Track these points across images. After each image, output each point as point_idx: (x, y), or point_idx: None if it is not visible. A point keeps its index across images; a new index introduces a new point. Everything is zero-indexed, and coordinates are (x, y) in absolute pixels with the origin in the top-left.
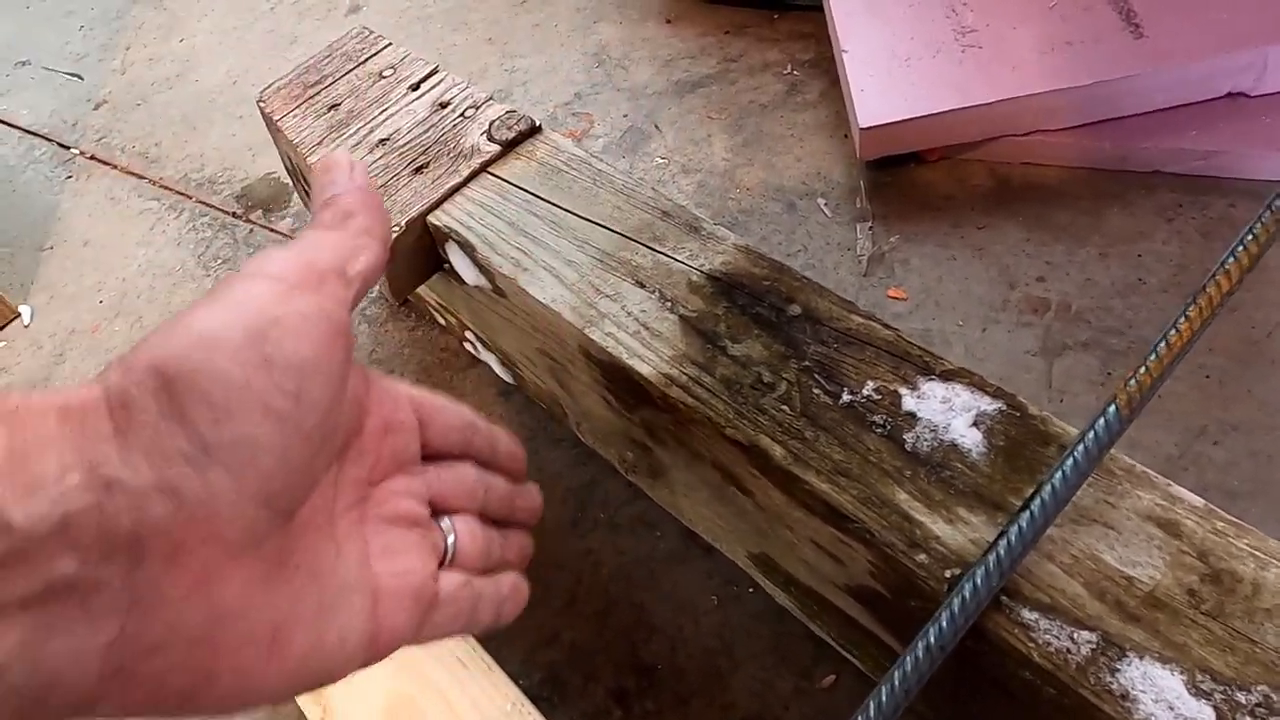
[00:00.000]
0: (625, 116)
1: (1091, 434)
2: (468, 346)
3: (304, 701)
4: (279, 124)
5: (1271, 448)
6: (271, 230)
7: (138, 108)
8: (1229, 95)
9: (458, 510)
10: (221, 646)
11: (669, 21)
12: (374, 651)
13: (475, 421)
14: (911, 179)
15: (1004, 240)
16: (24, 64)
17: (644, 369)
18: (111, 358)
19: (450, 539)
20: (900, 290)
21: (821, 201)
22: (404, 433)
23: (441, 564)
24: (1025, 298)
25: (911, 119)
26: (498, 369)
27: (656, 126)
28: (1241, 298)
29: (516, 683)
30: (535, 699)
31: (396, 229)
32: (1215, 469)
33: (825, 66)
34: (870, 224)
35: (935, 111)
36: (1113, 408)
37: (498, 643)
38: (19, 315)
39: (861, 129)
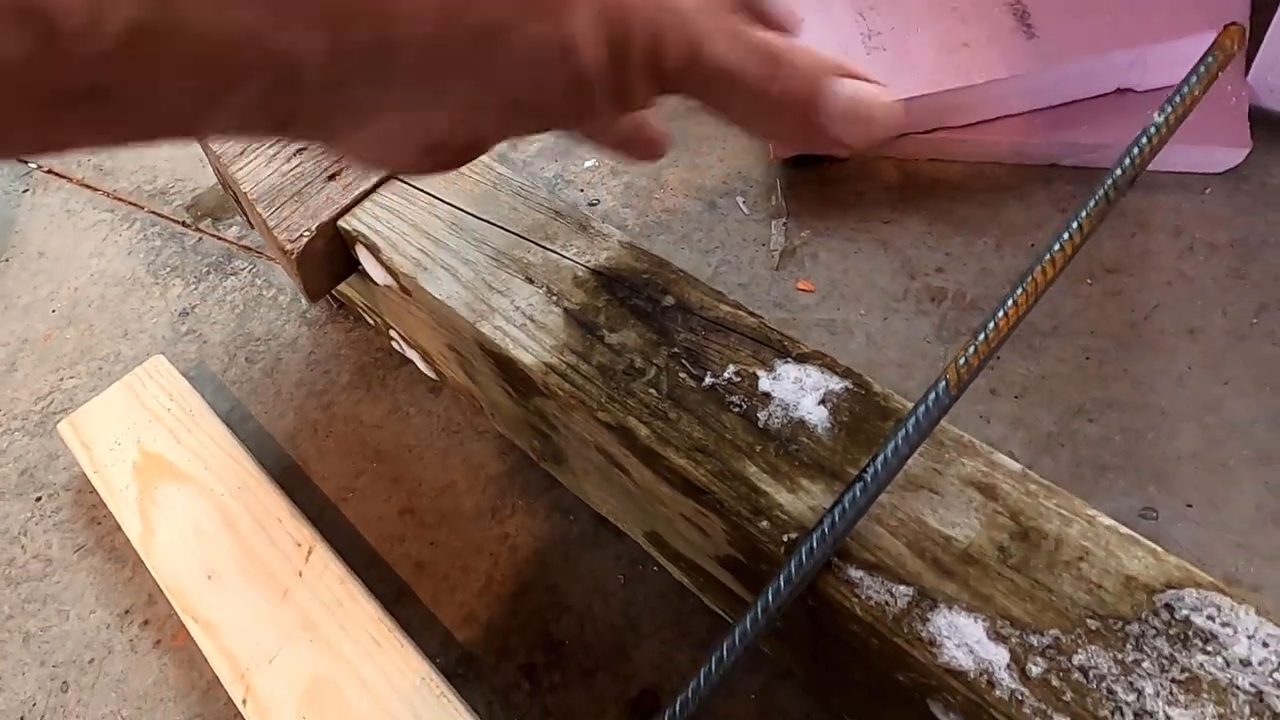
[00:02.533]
0: None
1: (922, 408)
2: (394, 345)
3: (229, 683)
4: None
5: (1141, 424)
6: (219, 238)
7: None
8: (1118, 91)
9: None
10: None
11: None
12: None
13: None
14: (824, 177)
15: (907, 234)
16: None
17: (527, 359)
18: (62, 365)
19: None
20: (809, 283)
21: (740, 200)
22: None
23: None
24: (924, 287)
25: None
26: (422, 366)
27: None
28: (1125, 282)
29: (434, 661)
30: (451, 675)
31: (308, 234)
32: (1089, 444)
33: None
34: (784, 220)
35: None
36: (943, 384)
37: (418, 623)
38: None
39: None
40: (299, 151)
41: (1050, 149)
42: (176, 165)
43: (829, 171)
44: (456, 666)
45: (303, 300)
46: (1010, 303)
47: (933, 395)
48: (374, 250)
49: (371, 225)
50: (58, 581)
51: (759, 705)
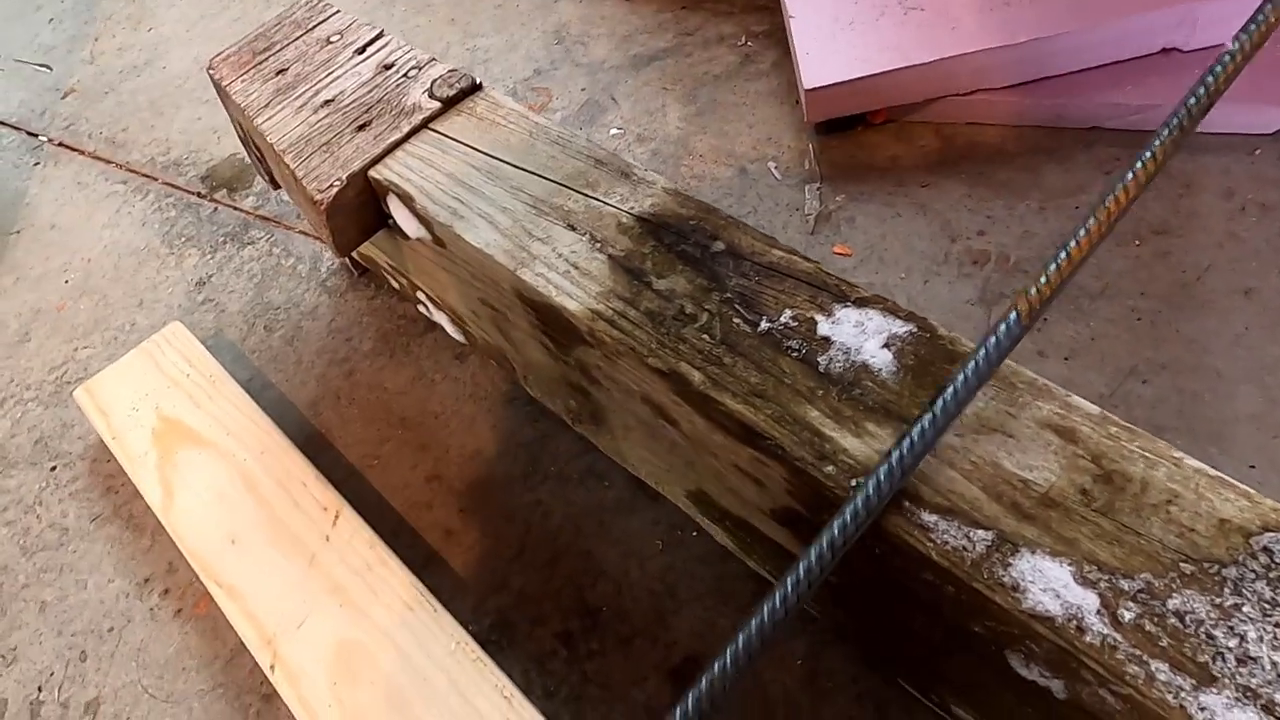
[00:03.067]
0: (583, 90)
1: (992, 339)
2: (421, 309)
3: (255, 648)
4: (227, 89)
5: (1197, 385)
6: (235, 208)
7: (106, 95)
8: (1163, 51)
9: None
10: None
11: None
12: None
13: None
14: (859, 142)
15: (946, 197)
16: None
17: (572, 305)
18: (76, 335)
19: None
20: (846, 247)
21: (772, 165)
22: None
23: None
24: (966, 250)
25: (854, 80)
26: (450, 329)
27: (613, 99)
28: (1174, 243)
29: (467, 628)
30: (484, 643)
31: (338, 183)
32: (1144, 406)
33: (778, 37)
34: (818, 185)
35: (877, 72)
36: (1014, 314)
37: (449, 590)
38: None
39: (806, 91)
40: (326, 103)
41: (1093, 111)
42: (190, 137)
43: (863, 136)
44: (490, 633)
45: (322, 269)
46: (1083, 231)
47: (1003, 326)
48: (407, 200)
49: (404, 175)
50: (74, 550)
51: (806, 670)
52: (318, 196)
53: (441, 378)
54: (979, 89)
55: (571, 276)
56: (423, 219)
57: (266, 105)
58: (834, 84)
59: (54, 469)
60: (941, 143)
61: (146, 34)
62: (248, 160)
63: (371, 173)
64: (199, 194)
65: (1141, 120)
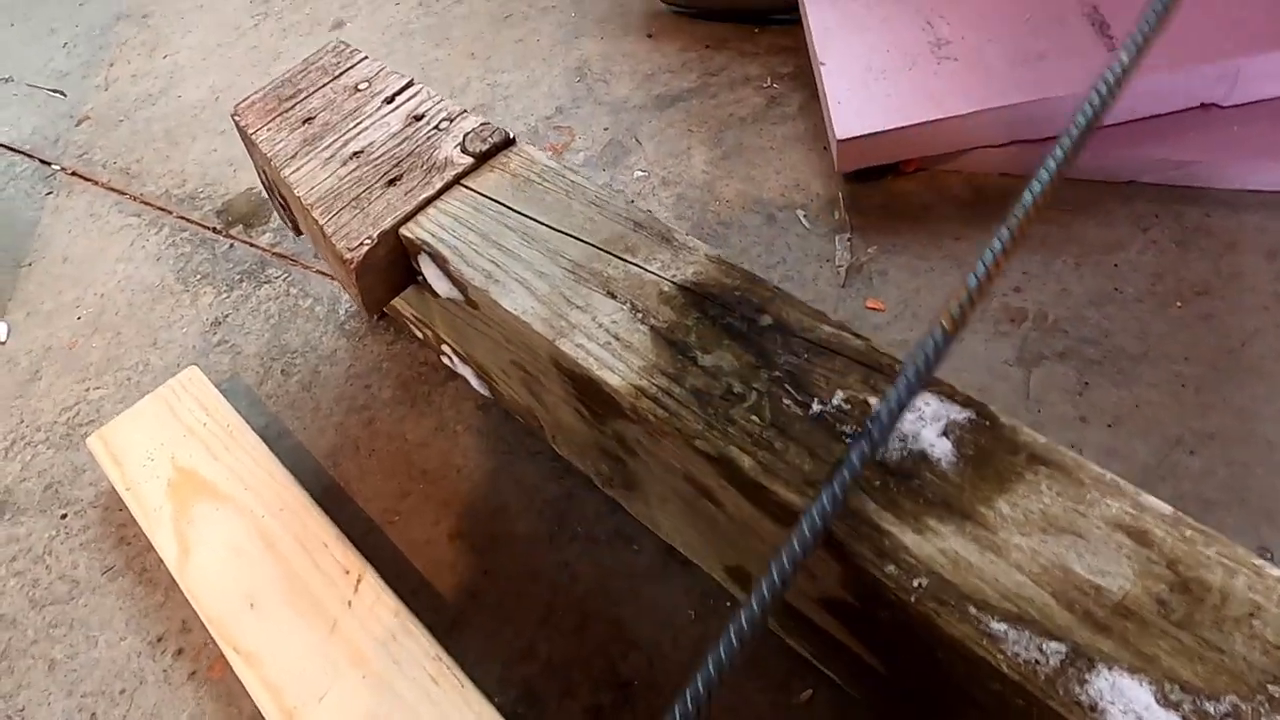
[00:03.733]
0: (606, 130)
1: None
2: (445, 360)
3: None
4: (253, 137)
5: (1247, 456)
6: (251, 245)
7: (120, 124)
8: (1202, 106)
9: None
10: None
11: (650, 36)
12: None
13: None
14: (890, 191)
15: (980, 251)
16: (6, 81)
17: (614, 380)
18: (88, 375)
19: None
20: (878, 301)
21: (800, 213)
22: None
23: None
24: (1002, 308)
25: (888, 130)
26: (474, 382)
27: (637, 140)
28: (1216, 305)
29: (491, 700)
30: (511, 716)
31: (368, 242)
32: (1191, 478)
33: (805, 80)
34: (849, 235)
35: (911, 123)
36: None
37: (473, 658)
38: None
39: (839, 140)
40: (355, 155)
41: (1131, 165)
42: (206, 169)
43: (893, 184)
44: (516, 706)
45: (340, 311)
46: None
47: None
48: (440, 260)
49: (437, 234)
50: (85, 605)
51: None
52: (347, 255)
53: (464, 429)
54: (1014, 140)
55: (613, 349)
56: (456, 281)
57: (294, 156)
58: (868, 134)
59: (64, 516)
60: (974, 194)
61: (162, 61)
62: (265, 197)
63: (403, 230)
64: (214, 229)
65: (1180, 176)
